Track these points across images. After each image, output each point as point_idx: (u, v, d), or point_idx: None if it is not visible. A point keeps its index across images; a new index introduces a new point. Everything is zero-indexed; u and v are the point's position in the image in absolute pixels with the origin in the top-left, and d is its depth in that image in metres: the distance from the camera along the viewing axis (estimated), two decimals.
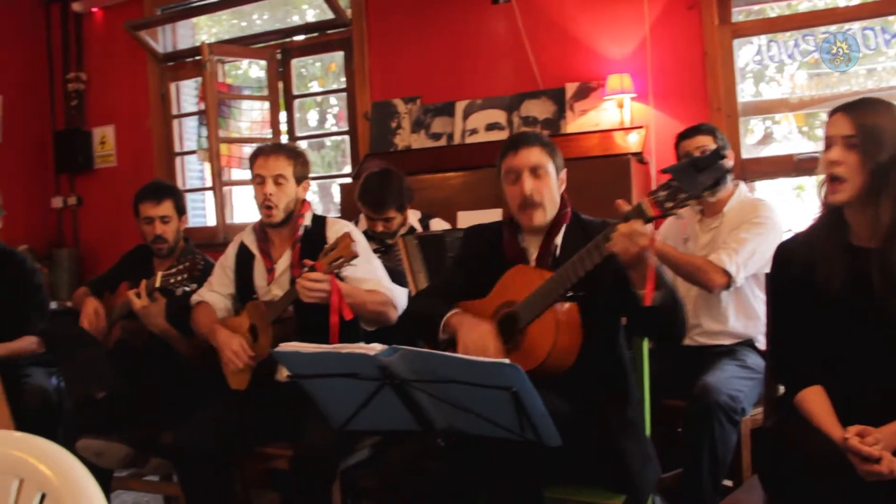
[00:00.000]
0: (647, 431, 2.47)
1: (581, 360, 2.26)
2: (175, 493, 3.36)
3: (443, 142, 4.71)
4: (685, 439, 2.81)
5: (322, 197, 6.38)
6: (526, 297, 2.28)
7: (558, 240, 2.43)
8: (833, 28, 4.08)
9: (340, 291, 2.64)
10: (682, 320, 2.25)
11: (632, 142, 4.20)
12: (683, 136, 3.27)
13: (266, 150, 2.99)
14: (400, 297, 2.86)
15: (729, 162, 2.03)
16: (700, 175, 1.98)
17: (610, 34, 4.51)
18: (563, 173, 2.48)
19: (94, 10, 6.17)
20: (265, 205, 2.93)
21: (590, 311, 2.27)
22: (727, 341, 3.12)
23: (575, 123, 4.47)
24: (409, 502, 2.30)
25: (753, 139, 4.75)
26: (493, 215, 2.66)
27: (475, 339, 2.27)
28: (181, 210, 3.46)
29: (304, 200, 3.04)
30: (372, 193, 3.61)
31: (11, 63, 6.09)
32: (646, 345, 2.54)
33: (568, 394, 2.23)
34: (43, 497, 1.41)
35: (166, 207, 3.39)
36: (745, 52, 4.41)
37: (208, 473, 2.71)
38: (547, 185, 2.41)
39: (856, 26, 4.00)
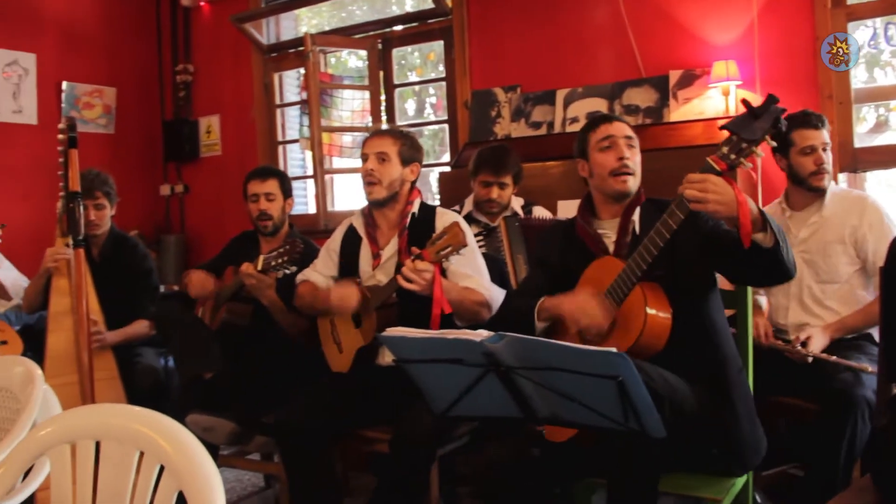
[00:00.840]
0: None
1: (676, 335, 2.24)
2: (276, 472, 3.45)
3: (543, 130, 4.68)
4: (819, 437, 2.72)
5: (419, 185, 6.36)
6: (610, 284, 2.29)
7: (635, 217, 2.45)
8: None
9: (441, 284, 2.65)
10: (787, 260, 2.17)
11: None
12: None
13: (374, 132, 3.07)
14: (496, 298, 2.86)
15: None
16: (757, 122, 2.02)
17: (715, 19, 4.38)
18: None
19: (202, 3, 6.36)
20: (367, 181, 2.97)
21: (677, 285, 2.27)
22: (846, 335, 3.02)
23: (678, 112, 4.37)
24: (507, 489, 2.31)
25: (865, 127, 4.57)
26: None
27: (579, 302, 2.31)
28: (287, 192, 3.57)
29: (413, 187, 3.06)
30: (491, 157, 3.67)
31: (124, 57, 6.33)
32: (751, 315, 2.54)
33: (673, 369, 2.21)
34: (161, 469, 1.47)
35: (271, 185, 3.52)
36: (860, 36, 4.22)
37: (310, 453, 2.77)
38: (637, 156, 2.49)
39: None
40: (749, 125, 2.02)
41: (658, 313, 2.23)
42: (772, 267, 2.14)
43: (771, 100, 2.02)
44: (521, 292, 2.70)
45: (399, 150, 2.98)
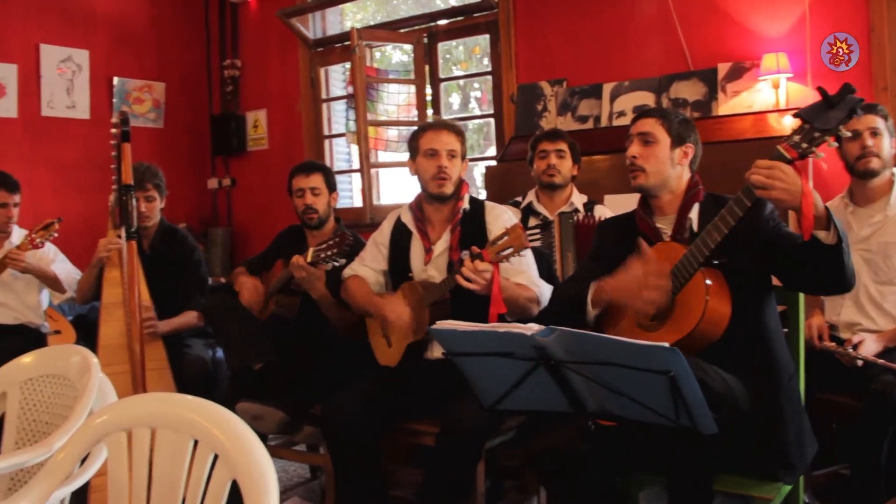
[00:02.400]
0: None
1: (730, 331, 2.21)
2: (321, 463, 3.48)
3: (589, 124, 4.65)
4: (861, 436, 2.67)
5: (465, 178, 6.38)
6: (671, 269, 2.25)
7: (693, 215, 2.41)
8: None
9: (499, 284, 2.65)
10: (847, 266, 2.10)
11: (787, 124, 4.02)
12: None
13: (437, 125, 3.07)
14: (545, 294, 2.88)
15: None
16: (832, 111, 1.96)
17: (766, 11, 4.32)
18: (688, 148, 2.46)
19: None
20: (440, 176, 2.97)
21: (735, 278, 2.23)
22: None
23: (727, 105, 4.32)
24: (553, 483, 2.30)
25: None
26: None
27: (626, 276, 2.28)
28: (331, 186, 3.58)
29: (463, 181, 3.07)
30: (544, 131, 3.87)
31: (173, 53, 6.43)
32: (802, 316, 2.48)
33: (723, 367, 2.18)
34: (215, 458, 1.49)
35: (316, 180, 3.53)
36: None
37: (357, 445, 2.78)
38: (653, 153, 2.44)
39: None
40: (823, 114, 1.97)
41: (719, 301, 2.19)
42: (830, 269, 2.08)
43: (847, 89, 1.97)
44: (572, 281, 2.68)
45: (460, 147, 3.03)
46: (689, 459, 2.02)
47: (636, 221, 2.51)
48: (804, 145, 1.99)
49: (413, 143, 3.07)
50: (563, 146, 3.73)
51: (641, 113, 2.55)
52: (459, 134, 3.05)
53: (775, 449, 2.22)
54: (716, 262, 2.21)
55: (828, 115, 1.96)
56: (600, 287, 2.41)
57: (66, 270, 4.14)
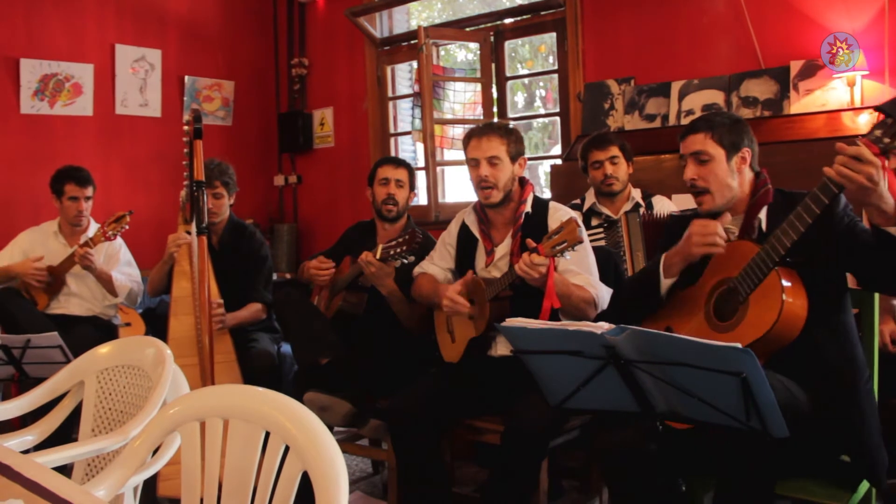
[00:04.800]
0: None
1: (807, 331, 2.16)
2: (384, 458, 3.50)
3: (657, 123, 4.60)
4: None
5: (529, 178, 6.35)
6: (743, 269, 2.21)
7: (761, 216, 2.36)
8: None
9: (553, 278, 2.64)
10: None
11: (862, 123, 3.91)
12: None
13: (478, 132, 3.01)
14: (604, 297, 2.84)
15: None
16: None
17: (841, 5, 4.20)
18: (745, 152, 2.39)
19: None
20: (482, 186, 2.96)
21: (813, 277, 2.18)
22: None
23: (799, 104, 4.22)
24: (618, 482, 2.28)
25: None
26: None
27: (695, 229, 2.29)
28: (412, 184, 3.63)
29: (526, 181, 3.06)
30: (591, 139, 3.77)
31: (243, 52, 6.54)
32: (877, 318, 2.42)
33: (795, 371, 2.16)
34: (286, 449, 1.51)
35: (402, 173, 3.59)
36: None
37: (421, 441, 2.80)
38: (712, 172, 2.38)
39: None
40: None
41: (795, 301, 2.14)
42: None
43: None
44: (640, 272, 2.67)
45: (507, 149, 2.96)
46: (753, 463, 1.98)
47: None
48: (886, 140, 1.91)
49: (464, 152, 3.06)
50: (615, 151, 3.67)
51: (686, 129, 2.47)
52: (505, 135, 2.98)
53: (860, 451, 2.17)
54: (789, 260, 2.16)
55: None
56: (668, 254, 2.40)
57: (127, 274, 4.23)
